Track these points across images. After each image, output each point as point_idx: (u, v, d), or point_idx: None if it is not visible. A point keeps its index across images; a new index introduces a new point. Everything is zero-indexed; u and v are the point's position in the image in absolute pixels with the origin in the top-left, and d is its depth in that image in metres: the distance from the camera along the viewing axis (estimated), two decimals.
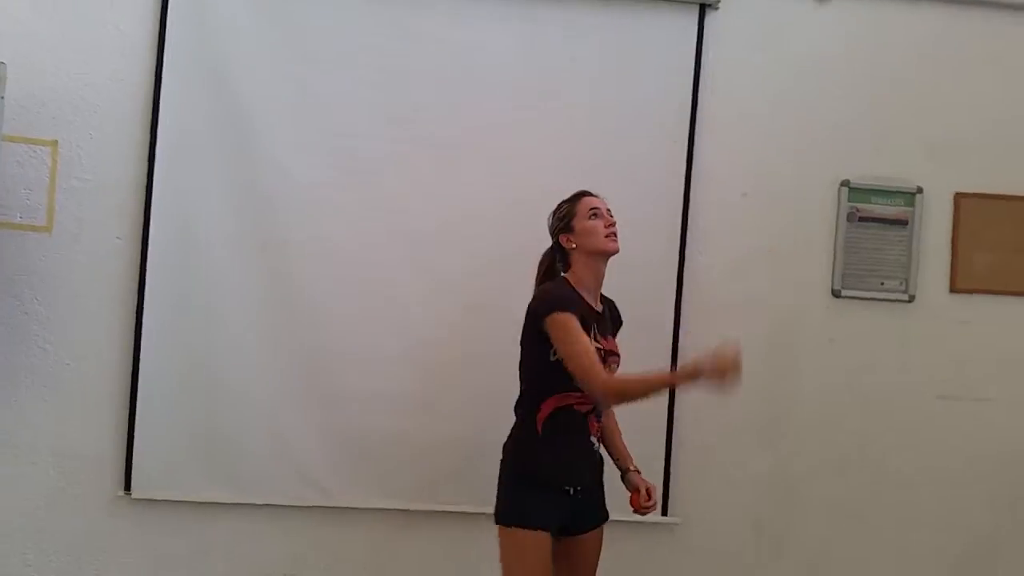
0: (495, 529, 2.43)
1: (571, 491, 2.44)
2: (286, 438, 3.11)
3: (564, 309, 2.36)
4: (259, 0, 3.09)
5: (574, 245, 2.51)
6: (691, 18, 3.27)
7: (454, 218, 3.16)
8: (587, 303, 2.48)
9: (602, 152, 3.20)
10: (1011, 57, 3.45)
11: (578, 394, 2.41)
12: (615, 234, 2.51)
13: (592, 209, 2.51)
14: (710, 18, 3.28)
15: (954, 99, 3.41)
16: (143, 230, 3.04)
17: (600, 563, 2.55)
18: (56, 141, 3.02)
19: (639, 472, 2.64)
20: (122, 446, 3.05)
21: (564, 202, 2.58)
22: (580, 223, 2.50)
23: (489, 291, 3.14)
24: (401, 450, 3.14)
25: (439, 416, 3.15)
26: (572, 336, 2.33)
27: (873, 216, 3.38)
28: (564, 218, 2.54)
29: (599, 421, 2.54)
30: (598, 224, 2.49)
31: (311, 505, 3.12)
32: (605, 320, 2.57)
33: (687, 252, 3.28)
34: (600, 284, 2.56)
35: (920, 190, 3.39)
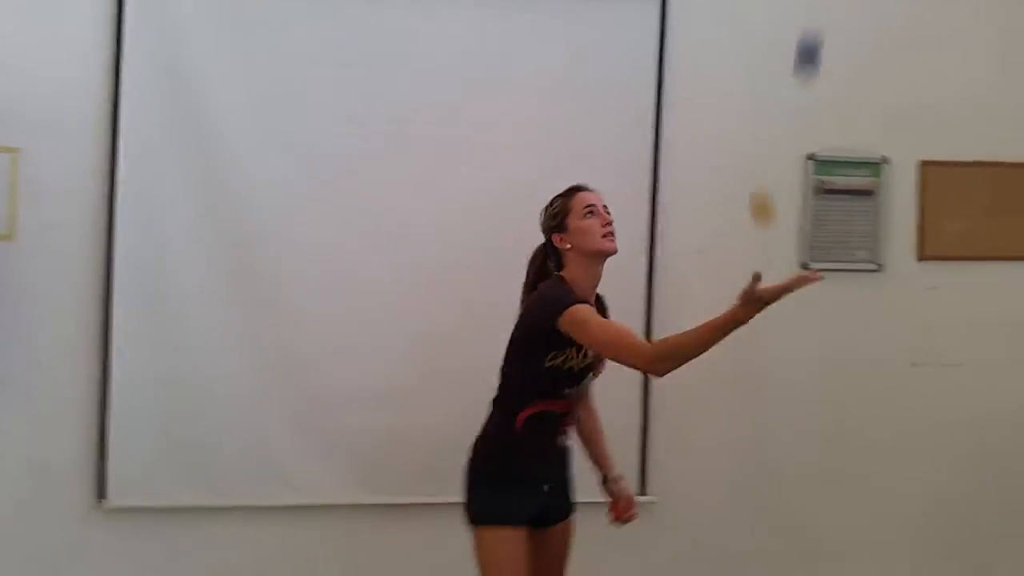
0: None
1: (545, 487, 2.43)
2: (262, 438, 3.08)
3: (574, 302, 2.22)
4: (218, 8, 3.03)
5: (569, 245, 2.35)
6: None
7: (423, 213, 3.15)
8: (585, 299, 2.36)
9: (570, 138, 3.19)
10: (970, 26, 3.48)
11: (563, 401, 2.37)
12: (612, 233, 2.35)
13: (588, 207, 2.35)
14: None
15: (915, 69, 3.44)
16: (107, 234, 2.99)
17: (578, 545, 2.54)
18: (18, 149, 2.94)
19: (621, 479, 2.59)
20: (95, 454, 3.00)
21: (557, 198, 2.42)
22: (575, 222, 2.35)
23: (460, 285, 3.14)
24: (377, 445, 3.13)
25: (414, 410, 3.14)
26: (593, 322, 2.20)
27: (839, 188, 3.40)
28: (557, 215, 2.38)
29: (573, 420, 2.50)
30: (594, 223, 2.33)
31: (289, 505, 3.10)
32: None
33: (657, 230, 3.29)
34: (596, 285, 2.41)
35: (885, 160, 3.42)
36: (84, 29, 2.98)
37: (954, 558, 3.55)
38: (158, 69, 3.00)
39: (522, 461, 2.36)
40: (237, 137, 3.04)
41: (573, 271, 2.36)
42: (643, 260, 3.29)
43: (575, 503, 2.55)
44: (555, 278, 2.37)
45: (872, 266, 3.42)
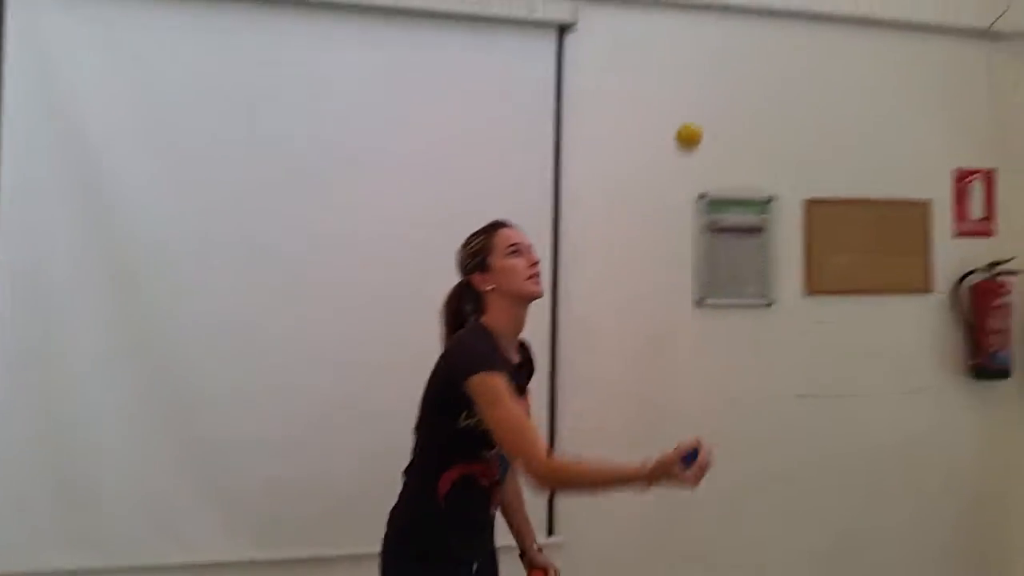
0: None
1: (475, 566, 2.23)
2: (151, 493, 2.94)
3: (491, 369, 2.00)
4: (102, 35, 2.92)
5: (491, 286, 2.17)
6: (550, 40, 3.30)
7: (319, 250, 3.08)
8: (506, 356, 2.18)
9: (470, 177, 3.18)
10: (851, 71, 3.65)
11: (482, 465, 2.15)
12: (538, 275, 2.19)
13: (512, 245, 2.18)
14: (569, 39, 3.32)
15: (800, 112, 3.59)
16: None
17: None
18: None
19: (541, 550, 2.44)
20: None
21: (477, 235, 2.23)
22: (498, 260, 2.17)
23: (359, 328, 3.08)
24: (275, 496, 3.01)
25: (311, 459, 3.04)
26: (502, 403, 1.97)
27: (730, 226, 3.49)
28: (478, 254, 2.20)
29: (500, 490, 2.28)
30: (519, 263, 2.16)
31: (184, 563, 2.95)
32: (522, 372, 2.28)
33: (559, 271, 3.30)
34: (520, 330, 2.23)
35: (772, 199, 3.54)
36: None
37: None
38: (41, 109, 2.87)
39: (452, 540, 2.15)
40: (126, 175, 2.92)
41: (495, 315, 2.18)
42: (547, 296, 3.28)
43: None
44: (476, 326, 2.18)
45: (763, 301, 3.53)
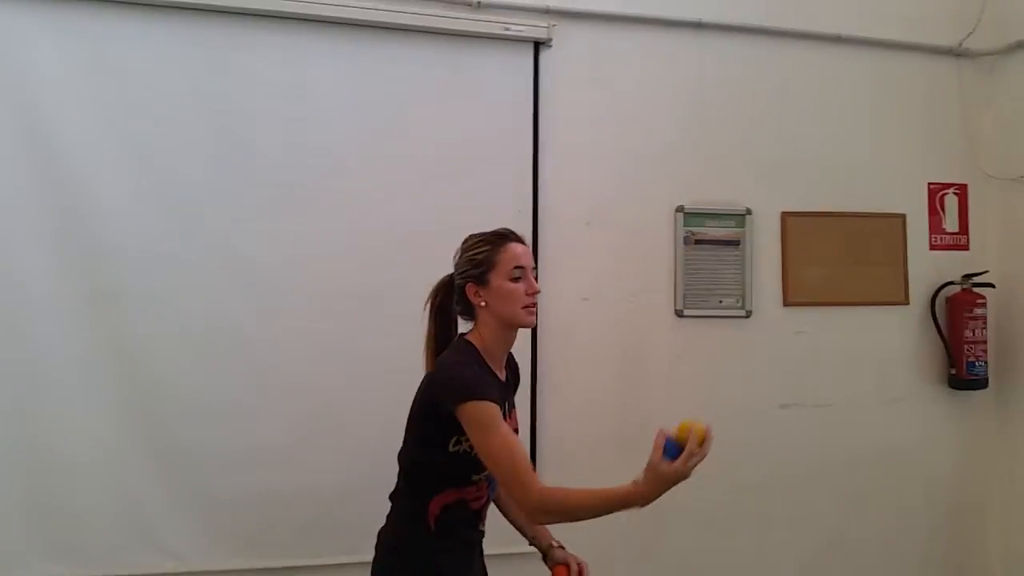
0: None
1: None
2: (131, 502, 2.93)
3: (483, 396, 1.93)
4: (78, 47, 2.93)
5: (484, 304, 2.08)
6: (526, 55, 3.34)
7: (298, 260, 3.09)
8: (495, 374, 2.12)
9: (447, 190, 3.20)
10: (826, 87, 3.72)
11: (473, 488, 2.10)
12: (535, 305, 2.10)
13: (517, 268, 2.08)
14: (544, 55, 3.37)
15: (776, 126, 3.65)
16: None
17: None
18: None
19: (563, 547, 2.34)
20: None
21: (483, 241, 2.13)
22: (499, 281, 2.07)
23: (340, 333, 3.10)
24: (260, 505, 3.02)
25: (293, 468, 3.05)
26: (495, 432, 1.91)
27: (708, 238, 3.55)
28: (480, 265, 2.09)
29: (488, 506, 2.23)
30: (519, 289, 2.06)
31: (168, 572, 2.95)
32: (509, 389, 2.24)
33: (539, 283, 3.30)
34: (508, 349, 2.16)
35: (749, 211, 3.59)
36: None
37: None
38: (12, 125, 2.87)
39: (439, 559, 2.09)
40: (100, 188, 2.92)
41: (484, 333, 2.11)
42: None
43: None
44: (462, 346, 2.11)
45: (741, 312, 3.57)
